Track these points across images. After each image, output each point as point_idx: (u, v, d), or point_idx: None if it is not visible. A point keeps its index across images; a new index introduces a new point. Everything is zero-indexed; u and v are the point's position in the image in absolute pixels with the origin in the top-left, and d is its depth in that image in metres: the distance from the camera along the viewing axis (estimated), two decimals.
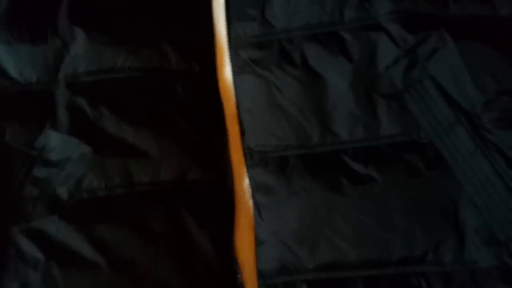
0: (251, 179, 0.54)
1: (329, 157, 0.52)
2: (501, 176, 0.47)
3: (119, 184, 0.51)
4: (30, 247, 0.48)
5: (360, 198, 0.49)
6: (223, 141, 0.56)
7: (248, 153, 0.55)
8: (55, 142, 0.53)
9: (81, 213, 0.50)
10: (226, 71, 0.61)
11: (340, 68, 0.54)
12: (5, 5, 0.59)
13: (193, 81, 0.59)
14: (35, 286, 0.46)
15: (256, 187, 0.52)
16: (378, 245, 0.47)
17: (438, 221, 0.47)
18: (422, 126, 0.50)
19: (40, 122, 0.54)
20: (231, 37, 0.60)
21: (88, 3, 0.59)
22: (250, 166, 0.54)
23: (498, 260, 0.45)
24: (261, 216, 0.51)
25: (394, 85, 0.52)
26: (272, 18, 0.58)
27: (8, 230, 0.49)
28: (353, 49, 0.54)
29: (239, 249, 0.51)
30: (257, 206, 0.52)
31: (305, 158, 0.52)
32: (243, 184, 0.55)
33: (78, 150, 0.52)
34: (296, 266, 0.48)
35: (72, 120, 0.54)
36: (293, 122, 0.53)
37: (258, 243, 0.51)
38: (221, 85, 0.60)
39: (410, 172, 0.49)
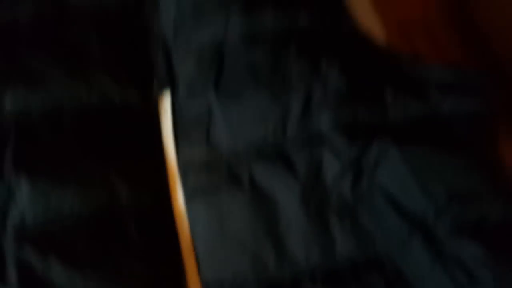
0: None
1: (288, 284, 0.49)
2: None
3: None
4: None
5: None
6: (180, 277, 0.54)
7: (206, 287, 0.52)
8: None
9: None
10: (179, 200, 0.59)
11: (288, 186, 0.53)
12: None
13: (146, 215, 0.57)
14: None
15: None
16: None
17: None
18: (378, 241, 0.49)
19: None
20: (180, 163, 0.59)
21: (32, 148, 0.58)
22: None
23: None
24: None
25: (344, 200, 0.51)
26: (218, 141, 0.58)
27: None
28: (299, 165, 0.53)
29: None
30: None
31: None
32: None
33: None
34: None
35: (20, 279, 0.51)
36: (247, 250, 0.51)
37: None
38: (176, 213, 0.58)
39: None
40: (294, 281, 0.49)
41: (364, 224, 0.50)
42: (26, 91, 0.60)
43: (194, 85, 0.60)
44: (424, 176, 0.48)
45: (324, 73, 0.56)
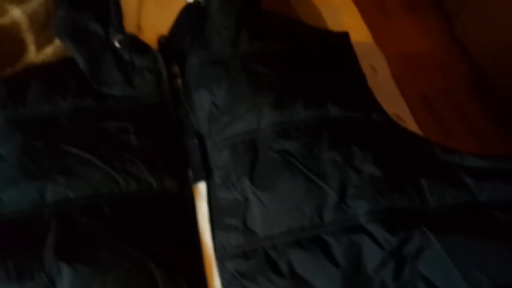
0: None
1: None
2: None
3: None
4: None
5: None
6: None
7: None
8: None
9: None
10: (216, 284, 0.59)
11: (328, 274, 0.52)
12: None
13: None
14: None
15: None
16: None
17: None
18: None
19: None
20: (217, 249, 0.59)
21: (72, 236, 0.59)
22: None
23: None
24: None
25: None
26: (254, 227, 0.58)
27: None
28: (337, 253, 0.53)
29: None
30: None
31: None
32: None
33: None
34: None
35: None
36: None
37: None
38: None
39: None
40: None
41: None
42: (66, 183, 0.62)
43: (229, 174, 0.62)
44: (468, 266, 0.48)
45: (358, 163, 0.57)
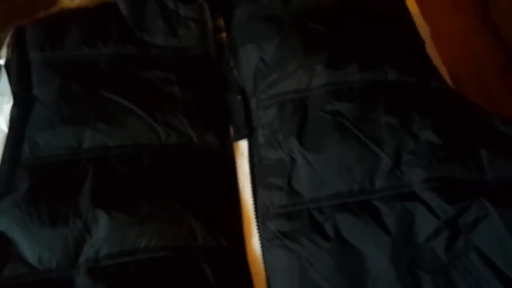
0: None
1: None
2: None
3: None
4: None
5: None
6: None
7: None
8: None
9: None
10: (254, 243, 0.58)
11: (378, 241, 0.51)
12: (25, 187, 0.57)
13: (221, 257, 0.56)
14: None
15: None
16: None
17: None
18: None
19: None
20: (258, 208, 0.58)
21: (109, 184, 0.58)
22: None
23: None
24: None
25: (437, 258, 0.49)
26: (300, 188, 0.56)
27: None
28: (389, 220, 0.51)
29: None
30: None
31: None
32: None
33: None
34: None
35: None
36: None
37: None
38: (249, 257, 0.57)
39: None
40: None
41: (459, 284, 0.47)
42: (106, 130, 0.61)
43: (275, 133, 0.60)
44: None
45: (416, 129, 0.55)
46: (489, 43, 1.38)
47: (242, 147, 0.64)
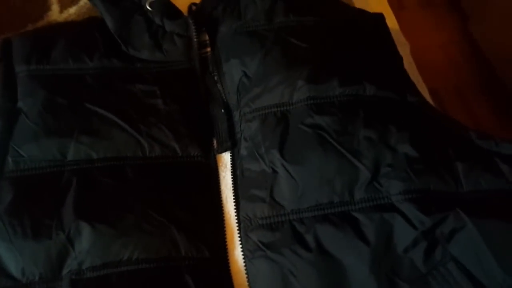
0: None
1: None
2: None
3: None
4: None
5: None
6: None
7: None
8: None
9: None
10: (236, 254, 0.59)
11: (357, 251, 0.52)
12: (8, 199, 0.57)
13: (204, 268, 0.56)
14: None
15: None
16: None
17: None
18: None
19: None
20: (240, 219, 0.59)
21: (93, 196, 0.58)
22: None
23: None
24: None
25: (416, 268, 0.50)
26: (281, 199, 0.57)
27: None
28: (368, 230, 0.53)
29: None
30: None
31: None
32: None
33: None
34: None
35: None
36: None
37: None
38: (232, 269, 0.58)
39: None
40: None
41: None
42: (90, 142, 0.61)
43: (257, 145, 0.61)
44: (501, 250, 0.48)
45: (394, 142, 0.56)
46: (469, 59, 1.41)
47: (225, 159, 0.65)
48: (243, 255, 0.57)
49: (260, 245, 0.55)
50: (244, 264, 0.57)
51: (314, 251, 0.53)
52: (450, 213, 0.51)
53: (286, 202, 0.57)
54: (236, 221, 0.60)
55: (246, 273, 0.56)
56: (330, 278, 0.52)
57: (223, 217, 0.61)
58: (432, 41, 1.43)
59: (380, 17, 0.71)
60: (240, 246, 0.58)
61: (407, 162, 0.55)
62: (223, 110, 0.67)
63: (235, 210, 0.60)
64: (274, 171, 0.59)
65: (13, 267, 0.54)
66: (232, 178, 0.63)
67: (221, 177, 0.64)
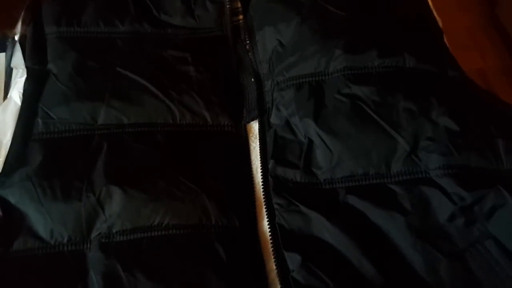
0: None
1: None
2: None
3: None
4: None
5: None
6: None
7: None
8: None
9: None
10: (265, 224, 0.58)
11: (395, 222, 0.51)
12: (38, 161, 0.57)
13: (233, 237, 0.55)
14: None
15: None
16: None
17: None
18: None
19: None
20: (271, 180, 0.57)
21: (124, 161, 0.57)
22: None
23: None
24: None
25: (453, 243, 0.49)
26: (315, 167, 0.57)
27: None
28: (405, 202, 0.52)
29: None
30: None
31: None
32: None
33: None
34: None
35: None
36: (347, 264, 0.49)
37: None
38: (261, 239, 0.57)
39: None
40: None
41: (474, 270, 0.48)
42: (121, 107, 0.61)
43: (291, 114, 0.60)
44: None
45: (435, 115, 0.55)
46: (495, 43, 1.39)
47: (255, 129, 0.64)
48: (277, 212, 0.55)
49: (293, 200, 0.54)
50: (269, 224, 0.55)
51: (345, 214, 0.52)
52: (491, 190, 0.49)
53: (320, 171, 0.56)
54: (262, 188, 0.58)
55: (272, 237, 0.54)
56: (361, 236, 0.51)
57: (253, 187, 0.60)
58: (458, 25, 1.40)
59: None
60: (265, 205, 0.56)
61: (447, 136, 0.54)
62: (253, 79, 0.65)
63: (262, 179, 0.59)
64: (309, 140, 0.58)
65: (42, 228, 0.54)
66: (260, 146, 0.62)
67: (251, 148, 0.63)
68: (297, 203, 0.54)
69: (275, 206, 0.55)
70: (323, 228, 0.52)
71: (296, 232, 0.53)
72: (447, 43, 0.68)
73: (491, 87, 1.33)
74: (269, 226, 0.56)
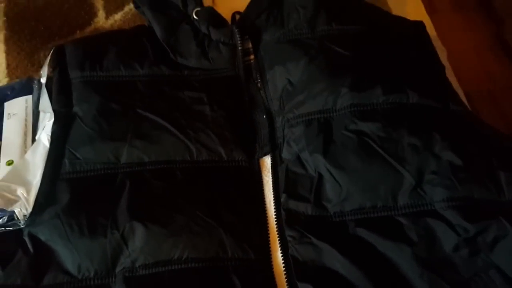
0: None
1: None
2: None
3: None
4: None
5: None
6: None
7: None
8: None
9: None
10: (279, 256, 0.60)
11: (402, 252, 0.53)
12: (66, 199, 0.61)
13: (249, 269, 0.58)
14: None
15: None
16: None
17: None
18: None
19: None
20: (283, 213, 0.60)
21: (145, 197, 0.61)
22: None
23: None
24: None
25: (458, 273, 0.52)
26: (325, 201, 0.59)
27: None
28: (412, 233, 0.54)
29: None
30: None
31: None
32: None
33: None
34: None
35: None
36: None
37: None
38: (275, 270, 0.60)
39: None
40: None
41: None
42: (142, 146, 0.64)
43: (301, 149, 0.63)
44: None
45: (438, 149, 0.58)
46: (502, 62, 1.40)
47: (268, 163, 0.67)
48: (289, 244, 0.58)
49: (305, 233, 0.57)
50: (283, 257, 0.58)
51: (357, 250, 0.55)
52: (493, 221, 0.52)
53: (330, 205, 0.59)
54: (275, 220, 0.61)
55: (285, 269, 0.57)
56: (372, 270, 0.53)
57: (267, 220, 0.63)
58: (464, 45, 1.42)
59: (420, 25, 0.73)
60: (278, 237, 0.59)
61: (451, 170, 0.56)
62: (265, 116, 0.69)
63: (274, 212, 0.62)
64: (319, 174, 0.61)
65: (70, 264, 0.58)
66: (272, 180, 0.65)
67: (265, 181, 0.66)
68: (309, 236, 0.56)
69: (288, 238, 0.58)
70: (334, 259, 0.55)
71: (308, 263, 0.56)
72: (453, 66, 0.70)
73: (500, 108, 1.34)
74: (282, 258, 0.58)
